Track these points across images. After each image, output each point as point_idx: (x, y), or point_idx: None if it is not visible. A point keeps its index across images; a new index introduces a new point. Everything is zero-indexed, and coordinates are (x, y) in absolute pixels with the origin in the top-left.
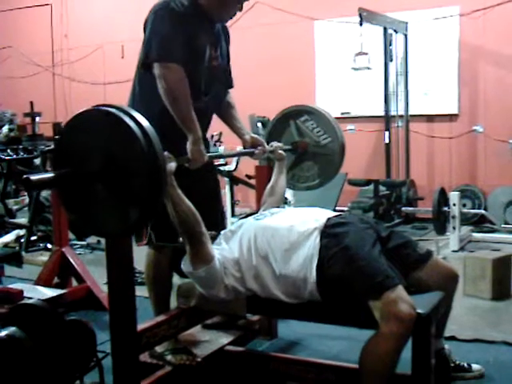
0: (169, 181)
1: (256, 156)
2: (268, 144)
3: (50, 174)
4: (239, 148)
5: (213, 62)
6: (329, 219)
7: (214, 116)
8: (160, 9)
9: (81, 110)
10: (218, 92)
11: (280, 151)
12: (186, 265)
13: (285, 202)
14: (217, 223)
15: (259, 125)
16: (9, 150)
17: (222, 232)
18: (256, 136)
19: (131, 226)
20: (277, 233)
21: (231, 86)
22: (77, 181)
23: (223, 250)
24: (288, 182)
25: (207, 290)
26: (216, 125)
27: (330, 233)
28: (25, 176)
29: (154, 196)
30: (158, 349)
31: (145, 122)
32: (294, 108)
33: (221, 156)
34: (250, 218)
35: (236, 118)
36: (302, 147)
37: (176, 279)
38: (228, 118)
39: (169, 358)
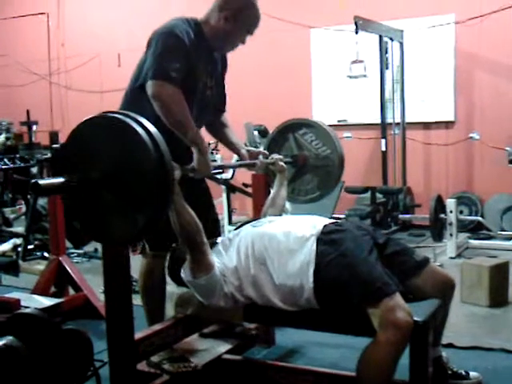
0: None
1: (258, 167)
2: (268, 156)
3: (60, 180)
4: (236, 156)
5: (207, 92)
6: (325, 226)
7: None
8: (164, 33)
9: (88, 117)
10: (208, 118)
11: (281, 163)
12: (185, 273)
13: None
14: (212, 231)
15: (256, 133)
16: (5, 159)
17: (220, 240)
18: (252, 148)
19: (139, 232)
20: (274, 239)
21: (223, 111)
22: (86, 187)
23: (222, 257)
24: (288, 196)
25: (207, 298)
26: None
27: (326, 239)
28: (33, 180)
29: (162, 202)
30: (155, 358)
31: (152, 129)
32: (292, 121)
33: (224, 167)
34: (247, 225)
35: (230, 135)
36: (302, 160)
37: (173, 287)
38: (223, 137)
39: (166, 366)
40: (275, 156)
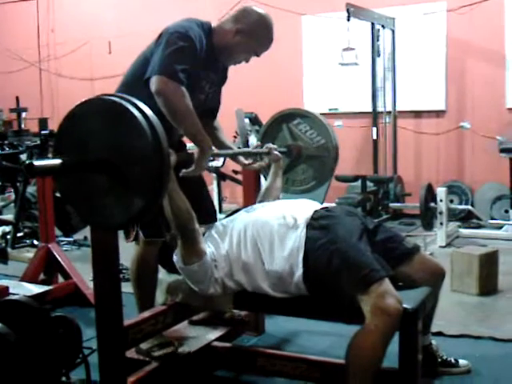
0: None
1: (257, 166)
2: (262, 146)
3: (57, 161)
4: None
5: (201, 96)
6: (316, 211)
7: None
8: (178, 32)
9: (85, 99)
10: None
11: (275, 152)
12: (177, 259)
13: None
14: (207, 218)
15: (246, 120)
16: None
17: (214, 225)
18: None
19: (133, 217)
20: (266, 225)
21: (215, 117)
22: (81, 170)
23: (215, 243)
24: (282, 186)
25: (197, 284)
26: None
27: (316, 225)
28: (27, 162)
29: (157, 187)
30: (144, 345)
31: (150, 113)
32: (286, 111)
33: (219, 155)
34: (241, 211)
35: (223, 139)
36: (296, 150)
37: (162, 274)
38: (216, 141)
39: (155, 353)
40: (270, 145)
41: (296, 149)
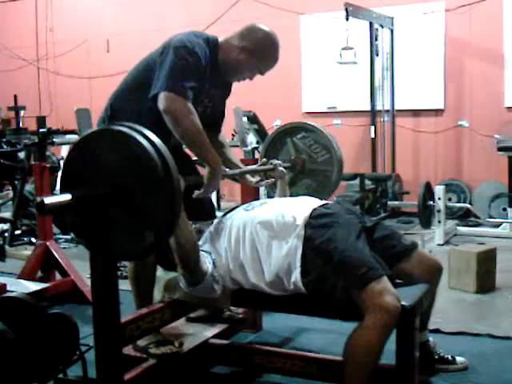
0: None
1: (264, 184)
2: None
3: (67, 197)
4: None
5: (198, 108)
6: (314, 210)
7: None
8: (185, 47)
9: (92, 130)
10: None
11: (280, 168)
12: (183, 284)
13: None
14: (206, 215)
15: (245, 119)
16: None
17: (213, 222)
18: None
19: (147, 248)
20: (264, 223)
21: (218, 132)
22: (92, 203)
23: (213, 240)
24: None
25: (206, 296)
26: None
27: (314, 224)
28: (39, 199)
29: (170, 218)
30: (141, 342)
31: (158, 141)
32: (290, 125)
33: (227, 175)
34: (239, 208)
35: (230, 155)
36: (300, 164)
37: (159, 271)
38: (221, 157)
39: (152, 350)
40: (275, 162)
41: (300, 162)
